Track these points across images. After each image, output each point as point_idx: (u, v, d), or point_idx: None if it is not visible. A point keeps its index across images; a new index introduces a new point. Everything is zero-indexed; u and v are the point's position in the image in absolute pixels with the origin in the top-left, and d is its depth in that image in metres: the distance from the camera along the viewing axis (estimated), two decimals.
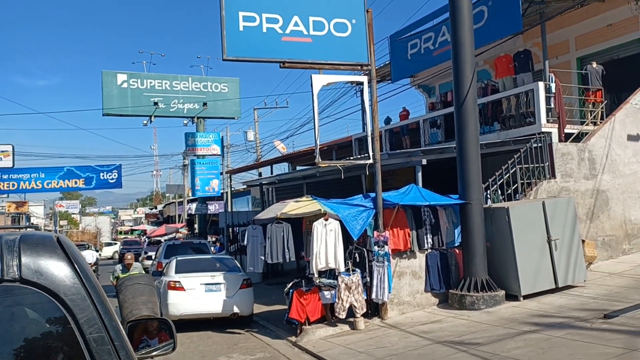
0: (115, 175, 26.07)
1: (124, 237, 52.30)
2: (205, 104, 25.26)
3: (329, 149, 21.55)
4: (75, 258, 1.55)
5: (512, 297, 9.90)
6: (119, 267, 10.07)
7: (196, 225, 31.62)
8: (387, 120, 19.81)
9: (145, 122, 26.08)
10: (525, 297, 9.84)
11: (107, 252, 44.86)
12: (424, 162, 11.92)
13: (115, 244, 48.73)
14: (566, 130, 12.87)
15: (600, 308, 8.54)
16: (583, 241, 10.87)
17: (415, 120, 17.59)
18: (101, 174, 25.66)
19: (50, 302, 1.49)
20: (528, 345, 7.19)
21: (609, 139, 12.61)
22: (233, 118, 26.98)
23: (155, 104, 24.60)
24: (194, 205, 33.09)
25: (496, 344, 7.39)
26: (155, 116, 25.22)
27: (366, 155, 10.64)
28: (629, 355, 6.25)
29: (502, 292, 9.88)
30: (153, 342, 3.15)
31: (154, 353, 2.76)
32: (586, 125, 13.55)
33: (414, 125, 17.23)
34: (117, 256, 33.77)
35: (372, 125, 10.44)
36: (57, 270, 1.52)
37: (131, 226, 59.78)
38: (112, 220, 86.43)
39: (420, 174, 11.90)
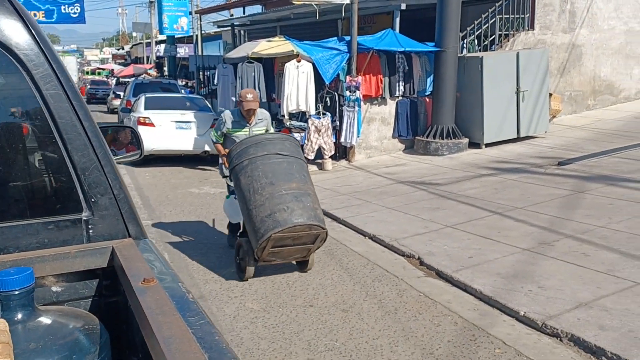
0: (77, 9, 24.28)
1: (91, 77, 50.46)
2: None
3: None
4: (25, 15, 1.49)
5: (475, 145, 10.28)
6: (228, 114, 5.42)
7: (165, 68, 30.68)
8: None
9: None
10: (488, 145, 10.24)
11: None
12: (403, 6, 11.45)
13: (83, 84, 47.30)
14: None
15: (555, 156, 9.00)
16: (550, 94, 11.06)
17: None
18: (62, 7, 23.84)
19: (2, 55, 1.46)
20: (483, 186, 7.65)
21: None
22: None
23: None
24: (162, 47, 31.64)
25: (454, 185, 7.84)
26: None
27: None
28: (575, 196, 6.74)
29: (466, 140, 10.24)
30: (120, 153, 3.19)
31: (122, 159, 2.83)
32: None
33: None
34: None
35: None
36: (8, 23, 1.46)
37: (98, 66, 57.53)
38: (78, 60, 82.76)
39: (398, 20, 11.51)
